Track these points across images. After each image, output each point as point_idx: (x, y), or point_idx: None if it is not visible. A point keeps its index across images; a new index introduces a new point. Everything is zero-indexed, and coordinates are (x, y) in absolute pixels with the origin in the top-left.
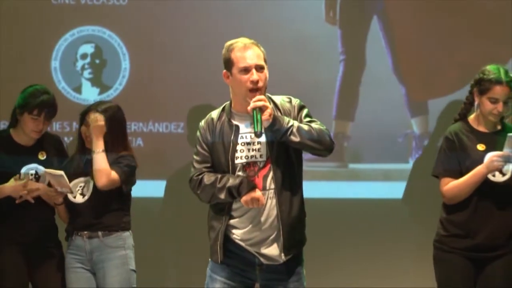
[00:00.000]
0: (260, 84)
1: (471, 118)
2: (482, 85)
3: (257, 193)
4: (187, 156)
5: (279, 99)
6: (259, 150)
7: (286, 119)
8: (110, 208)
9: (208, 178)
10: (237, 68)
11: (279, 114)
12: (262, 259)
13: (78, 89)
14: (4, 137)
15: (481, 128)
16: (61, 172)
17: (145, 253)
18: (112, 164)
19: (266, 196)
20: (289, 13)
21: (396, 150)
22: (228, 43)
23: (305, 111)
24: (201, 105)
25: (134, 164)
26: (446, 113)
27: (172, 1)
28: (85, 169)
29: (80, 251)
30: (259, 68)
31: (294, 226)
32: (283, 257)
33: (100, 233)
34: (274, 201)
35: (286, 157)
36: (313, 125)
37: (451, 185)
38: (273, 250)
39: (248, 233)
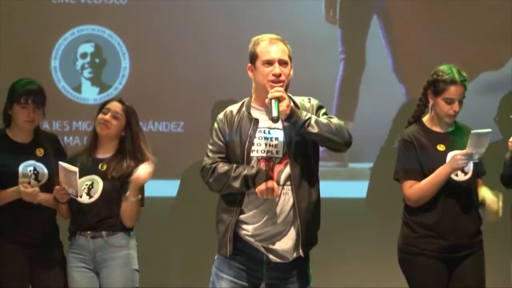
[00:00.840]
0: (283, 77)
1: (425, 119)
2: (436, 86)
3: (272, 183)
4: (187, 155)
5: (299, 99)
6: (276, 146)
7: (304, 112)
8: (115, 209)
9: (222, 167)
10: (260, 61)
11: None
12: (270, 256)
13: (78, 88)
14: (2, 137)
15: (437, 129)
16: (76, 169)
17: (147, 253)
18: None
19: (280, 192)
20: (289, 12)
21: (396, 150)
22: (255, 37)
23: (323, 110)
24: (223, 102)
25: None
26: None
27: (172, 0)
28: (91, 169)
29: (83, 250)
30: (283, 63)
31: (311, 223)
32: (300, 253)
33: (104, 233)
34: (288, 197)
35: (304, 154)
36: (332, 119)
37: (414, 188)
38: (284, 246)
39: (260, 228)
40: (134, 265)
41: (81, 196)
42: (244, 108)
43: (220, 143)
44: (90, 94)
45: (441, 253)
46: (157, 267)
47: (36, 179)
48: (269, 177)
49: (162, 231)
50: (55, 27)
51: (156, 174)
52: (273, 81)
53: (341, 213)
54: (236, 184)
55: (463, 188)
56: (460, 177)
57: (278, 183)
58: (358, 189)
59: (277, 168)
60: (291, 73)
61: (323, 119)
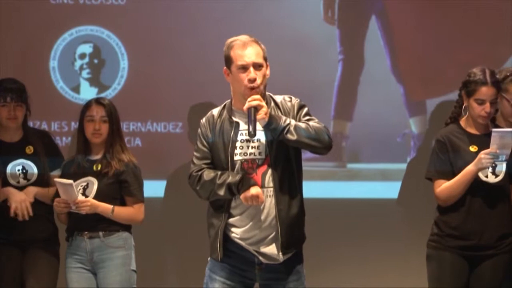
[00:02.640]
0: (258, 82)
1: (463, 120)
2: (468, 87)
3: (257, 190)
4: (186, 156)
5: (280, 98)
6: (258, 147)
7: (283, 118)
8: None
9: (207, 174)
10: (235, 66)
11: (278, 113)
12: (261, 258)
13: (76, 89)
14: None
15: (472, 130)
16: (71, 181)
17: (145, 253)
18: (128, 194)
19: (265, 194)
20: (287, 12)
21: (395, 150)
22: (229, 40)
23: (304, 110)
24: (201, 104)
25: (139, 172)
26: (440, 114)
27: (171, 1)
28: (87, 170)
29: (81, 251)
30: (257, 66)
31: (292, 225)
32: (281, 256)
33: (101, 233)
34: (273, 199)
35: (285, 155)
36: (311, 123)
37: (443, 187)
38: (272, 249)
39: (248, 232)
40: (131, 265)
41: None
42: (225, 112)
43: (205, 149)
44: (88, 94)
45: (462, 250)
46: (154, 267)
47: (25, 178)
48: (253, 183)
49: (161, 231)
50: (54, 27)
51: (155, 175)
52: (249, 87)
53: (340, 213)
54: (221, 192)
55: (492, 190)
56: (491, 179)
57: (263, 186)
58: (356, 190)
59: (261, 170)
60: (268, 72)
61: (302, 124)
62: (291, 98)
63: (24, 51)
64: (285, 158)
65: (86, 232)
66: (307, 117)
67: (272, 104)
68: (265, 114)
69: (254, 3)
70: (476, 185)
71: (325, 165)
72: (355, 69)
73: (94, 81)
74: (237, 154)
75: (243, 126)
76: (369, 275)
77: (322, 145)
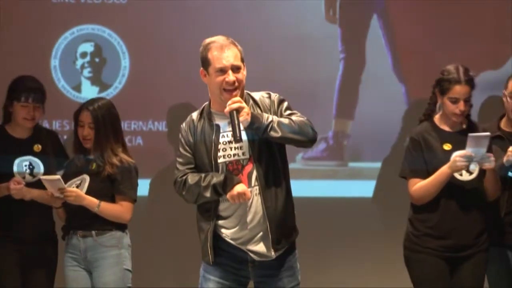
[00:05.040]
0: (236, 84)
1: (436, 117)
2: (442, 86)
3: (242, 187)
4: None
5: (259, 95)
6: (241, 148)
7: (265, 115)
8: None
9: (192, 178)
10: (213, 68)
11: (258, 111)
12: (253, 256)
13: (77, 88)
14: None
15: (446, 128)
16: (58, 177)
17: (143, 252)
18: (117, 192)
19: (252, 193)
20: (289, 11)
21: (396, 149)
22: (206, 41)
23: (285, 104)
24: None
25: (134, 171)
26: (416, 112)
27: (172, 0)
28: (84, 169)
29: (76, 250)
30: (236, 69)
31: (281, 221)
32: (273, 253)
33: (93, 232)
34: (259, 198)
35: (269, 153)
36: (294, 117)
37: (418, 186)
38: (262, 247)
39: (237, 232)
40: (125, 265)
41: None
42: (204, 115)
43: (188, 154)
44: (90, 93)
45: (442, 252)
46: (152, 266)
47: (31, 174)
48: (237, 181)
49: (160, 229)
50: (55, 26)
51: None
52: (227, 90)
53: (341, 212)
54: (207, 193)
55: (467, 188)
56: (465, 176)
57: (250, 185)
58: (358, 188)
59: (246, 169)
60: (244, 73)
61: (284, 119)
62: (269, 94)
63: (26, 49)
64: (269, 156)
65: (79, 231)
66: (289, 111)
67: (251, 102)
68: (247, 114)
69: (256, 2)
70: (451, 184)
71: (327, 164)
72: (357, 68)
73: (95, 80)
74: (221, 156)
75: (224, 128)
76: (372, 273)
77: (307, 139)
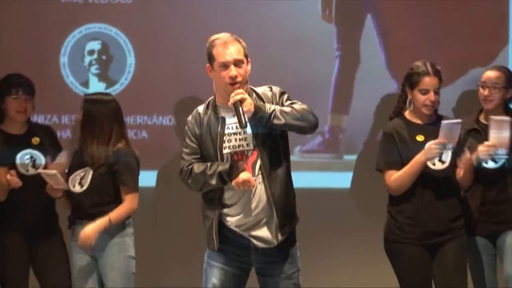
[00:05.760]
0: (239, 79)
1: (407, 113)
2: (412, 79)
3: (247, 174)
4: None
5: (261, 89)
6: (245, 139)
7: (267, 105)
8: (108, 197)
9: (198, 167)
10: (217, 63)
11: (260, 102)
12: (256, 243)
13: (85, 84)
14: None
15: (417, 121)
16: (54, 172)
17: (150, 240)
18: (120, 183)
19: (256, 182)
20: (288, 11)
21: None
22: (211, 38)
23: (285, 96)
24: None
25: (134, 162)
26: (384, 108)
27: (176, 0)
28: (87, 160)
29: None
30: (238, 63)
31: (286, 206)
32: (279, 237)
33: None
34: (263, 186)
35: (272, 143)
36: (295, 106)
37: (394, 177)
38: (266, 233)
39: (241, 220)
40: (129, 252)
41: (74, 186)
42: (210, 108)
43: (193, 144)
44: (97, 89)
45: (421, 240)
46: (155, 254)
47: (34, 166)
48: (242, 169)
49: (163, 219)
50: (64, 25)
51: (160, 166)
52: (230, 84)
53: (336, 202)
54: (213, 181)
55: (441, 177)
56: (438, 165)
57: (254, 174)
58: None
59: (251, 159)
60: (249, 68)
61: (286, 108)
62: (271, 87)
63: (36, 47)
64: (272, 146)
65: (84, 221)
66: (289, 102)
67: (254, 95)
68: (250, 104)
69: (256, 3)
70: (425, 173)
71: (323, 156)
72: (352, 65)
73: (102, 76)
74: (226, 147)
75: (229, 120)
76: (366, 260)
77: (309, 125)
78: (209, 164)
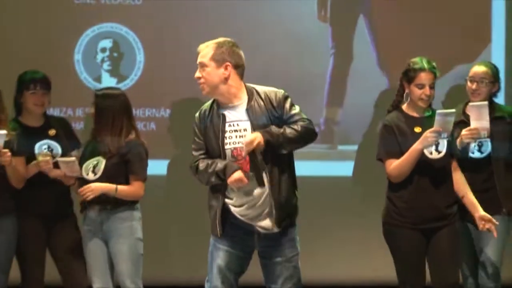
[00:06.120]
0: (201, 80)
1: (404, 106)
2: (409, 75)
3: (239, 174)
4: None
5: (264, 89)
6: (244, 136)
7: (275, 134)
8: (118, 184)
9: (202, 165)
10: None
11: (261, 103)
12: (259, 229)
13: (98, 79)
14: (15, 124)
15: (414, 114)
16: (73, 158)
17: (160, 226)
18: (130, 172)
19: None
20: (286, 12)
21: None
22: None
23: (289, 101)
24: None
25: (144, 153)
26: (383, 101)
27: (183, 1)
28: (97, 150)
29: (93, 222)
30: (202, 66)
31: (284, 201)
32: (276, 229)
33: (109, 206)
34: (264, 180)
35: None
36: (299, 125)
37: (394, 165)
38: (267, 223)
39: (244, 210)
40: (138, 234)
41: (87, 174)
42: (214, 106)
43: (200, 140)
44: (109, 84)
45: (417, 224)
46: (165, 238)
47: (52, 155)
48: (236, 169)
49: (170, 206)
50: (78, 24)
51: (168, 155)
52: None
53: (332, 190)
54: (213, 179)
55: (437, 166)
56: (434, 155)
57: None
58: (346, 168)
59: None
60: (221, 71)
61: (291, 133)
62: (276, 92)
63: (52, 46)
64: None
65: (96, 206)
66: (293, 111)
67: (255, 94)
68: (260, 144)
69: (258, 4)
70: (422, 162)
71: (319, 147)
72: (345, 62)
73: (113, 72)
74: (227, 143)
75: (229, 117)
76: (361, 245)
77: (311, 140)
78: (210, 162)
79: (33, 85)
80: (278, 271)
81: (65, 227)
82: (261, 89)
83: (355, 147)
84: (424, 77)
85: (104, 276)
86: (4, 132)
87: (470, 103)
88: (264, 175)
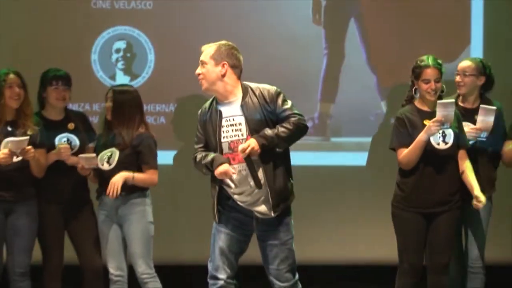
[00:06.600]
0: (200, 76)
1: (416, 101)
2: (416, 72)
3: (224, 167)
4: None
5: (259, 86)
6: (240, 130)
7: (269, 137)
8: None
9: (199, 157)
10: None
11: (255, 100)
12: (257, 214)
13: (113, 77)
14: (39, 117)
15: (424, 108)
16: (94, 155)
17: (168, 211)
18: (143, 163)
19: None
20: (284, 16)
21: (369, 126)
22: None
23: (281, 97)
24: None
25: (154, 144)
26: (395, 97)
27: (189, 6)
28: (111, 142)
29: (108, 207)
30: (201, 64)
31: (279, 189)
32: (272, 213)
33: (123, 193)
34: (260, 170)
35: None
36: (291, 122)
37: (403, 154)
38: (264, 208)
39: (243, 198)
40: (149, 218)
41: (102, 165)
42: (213, 103)
43: (200, 135)
44: (123, 82)
45: (420, 208)
46: (173, 223)
47: (70, 147)
48: (222, 162)
49: (177, 194)
50: (95, 27)
51: (176, 147)
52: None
53: (325, 178)
54: (204, 170)
55: (443, 156)
56: (441, 146)
57: (249, 160)
58: (338, 158)
59: None
60: (218, 69)
61: (284, 132)
62: (268, 89)
63: (71, 46)
64: None
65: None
66: (285, 106)
67: (250, 91)
68: (256, 150)
69: (259, 8)
70: (429, 152)
71: (313, 138)
72: (337, 62)
73: (127, 71)
74: (224, 137)
75: (225, 113)
76: (348, 225)
77: (303, 134)
78: (204, 154)
79: (55, 82)
80: (274, 253)
81: (82, 212)
82: (255, 86)
83: (346, 139)
84: (429, 73)
85: (118, 256)
86: (26, 138)
87: (482, 106)
88: (260, 170)
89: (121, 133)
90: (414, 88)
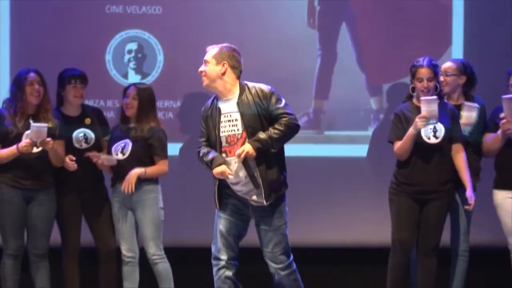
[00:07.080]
0: (202, 73)
1: (415, 99)
2: (412, 71)
3: (221, 168)
4: None
5: (255, 86)
6: (236, 125)
7: (263, 140)
8: (143, 164)
9: (201, 152)
10: None
11: (250, 98)
12: (252, 202)
13: (125, 76)
14: (58, 114)
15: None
16: (114, 158)
17: (175, 199)
18: (155, 154)
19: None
20: (281, 19)
21: (359, 121)
22: None
23: (274, 96)
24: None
25: (164, 136)
26: (393, 93)
27: (196, 11)
28: (125, 134)
29: (122, 194)
30: (204, 62)
31: (271, 179)
32: (265, 202)
33: (136, 181)
34: (253, 163)
35: (259, 126)
36: (282, 123)
37: (397, 146)
38: (257, 197)
39: (239, 187)
40: (160, 204)
41: (117, 155)
42: (214, 100)
43: (203, 129)
44: (134, 80)
45: (413, 195)
46: (179, 210)
47: (86, 142)
48: (220, 163)
49: (182, 184)
50: (109, 30)
51: (181, 139)
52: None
53: (319, 168)
54: (205, 166)
55: (433, 148)
56: (432, 140)
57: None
58: (331, 150)
59: (241, 141)
60: (218, 68)
61: (277, 133)
62: (262, 90)
63: (87, 48)
64: (259, 128)
65: (124, 181)
66: (278, 105)
67: (246, 89)
68: (252, 153)
69: (258, 11)
70: (420, 145)
71: (308, 132)
72: (330, 62)
73: (138, 70)
74: (222, 132)
75: (224, 109)
76: (339, 210)
77: (295, 133)
78: (206, 151)
79: (73, 80)
80: (269, 237)
81: (97, 198)
82: (252, 85)
83: (338, 132)
84: (422, 72)
85: (130, 239)
86: (45, 125)
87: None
88: (256, 169)
89: (138, 126)
90: (412, 86)
